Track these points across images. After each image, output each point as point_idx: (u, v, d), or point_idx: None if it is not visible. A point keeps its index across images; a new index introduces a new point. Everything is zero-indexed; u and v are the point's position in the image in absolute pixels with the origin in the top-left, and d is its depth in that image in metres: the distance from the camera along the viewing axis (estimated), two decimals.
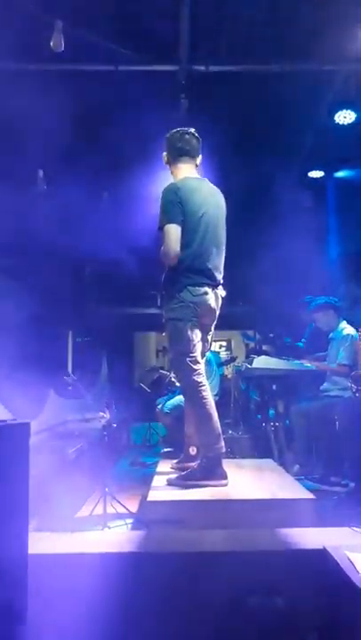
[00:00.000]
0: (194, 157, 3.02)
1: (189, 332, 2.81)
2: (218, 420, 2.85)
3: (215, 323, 3.04)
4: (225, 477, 2.80)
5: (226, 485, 2.79)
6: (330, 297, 4.39)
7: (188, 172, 3.00)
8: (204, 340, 3.01)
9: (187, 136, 2.99)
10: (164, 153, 3.05)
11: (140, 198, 3.58)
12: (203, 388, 2.83)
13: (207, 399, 2.83)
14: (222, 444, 2.83)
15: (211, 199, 2.95)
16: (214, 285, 2.91)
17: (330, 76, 3.99)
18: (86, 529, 2.72)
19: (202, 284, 2.84)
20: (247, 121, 4.19)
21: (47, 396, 4.63)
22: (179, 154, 2.99)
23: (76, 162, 4.47)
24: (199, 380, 2.83)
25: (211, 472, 2.79)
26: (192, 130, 3.01)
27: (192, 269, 2.82)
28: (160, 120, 4.10)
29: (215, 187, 3.06)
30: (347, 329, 4.16)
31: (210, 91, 4.00)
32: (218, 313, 3.00)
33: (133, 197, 4.39)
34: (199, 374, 2.84)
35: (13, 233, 4.57)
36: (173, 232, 2.76)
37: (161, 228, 2.80)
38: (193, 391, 2.84)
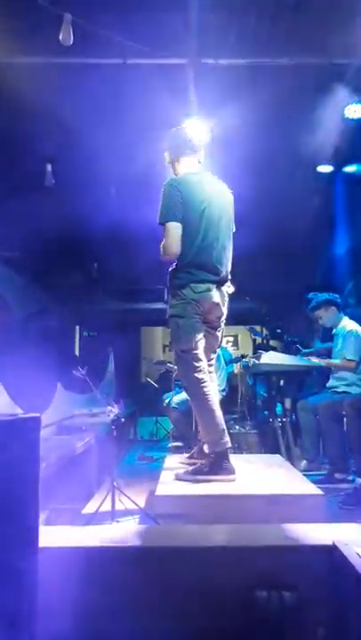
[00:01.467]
0: (196, 153, 2.99)
1: (191, 329, 2.79)
2: (222, 416, 2.85)
3: (224, 318, 3.01)
4: (233, 472, 2.81)
5: (234, 480, 2.80)
6: (330, 293, 4.38)
7: (191, 168, 2.97)
8: (213, 336, 2.99)
9: (188, 133, 2.99)
10: (166, 152, 3.03)
11: (148, 191, 3.57)
12: (205, 384, 2.81)
13: (209, 395, 2.81)
14: (227, 439, 2.83)
15: (214, 193, 2.91)
16: (219, 281, 2.88)
17: (340, 69, 3.95)
18: (95, 523, 2.73)
19: (204, 281, 2.80)
20: (256, 114, 4.16)
21: (55, 391, 4.66)
22: (181, 152, 2.97)
23: (85, 155, 4.48)
24: (201, 376, 2.80)
25: (219, 467, 2.79)
26: (192, 125, 3.01)
27: (195, 265, 2.79)
28: (169, 113, 4.11)
29: (220, 180, 3.02)
30: (350, 325, 4.19)
31: (219, 84, 3.98)
32: (225, 309, 2.97)
33: (141, 191, 4.38)
34: (201, 371, 2.82)
35: (22, 227, 4.58)
36: (173, 230, 2.75)
37: (161, 224, 2.78)
38: (195, 388, 2.82)
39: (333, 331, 4.32)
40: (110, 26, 3.61)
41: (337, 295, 4.41)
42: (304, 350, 4.69)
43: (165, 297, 2.98)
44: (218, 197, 2.93)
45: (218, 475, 2.77)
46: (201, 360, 2.83)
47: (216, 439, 2.80)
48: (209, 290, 2.81)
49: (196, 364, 2.81)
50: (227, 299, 2.98)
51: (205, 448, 2.93)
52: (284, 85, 3.96)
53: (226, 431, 2.84)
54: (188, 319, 2.78)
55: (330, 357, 4.35)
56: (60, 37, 3.41)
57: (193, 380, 2.81)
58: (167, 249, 2.75)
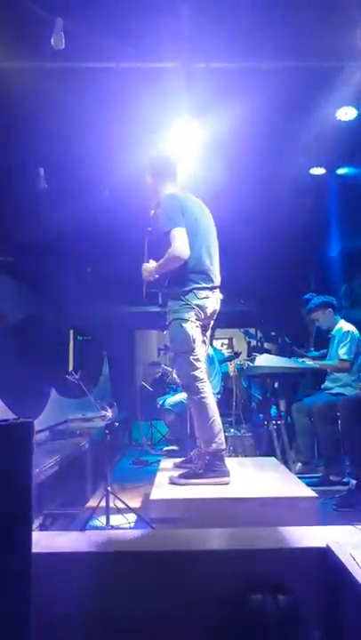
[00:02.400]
0: (176, 177, 3.26)
1: (192, 333, 2.95)
2: (218, 417, 2.96)
3: (212, 324, 3.20)
4: (227, 474, 2.85)
5: (229, 482, 2.82)
6: (327, 296, 4.42)
7: (174, 190, 3.18)
8: (201, 341, 3.12)
9: (169, 159, 3.28)
10: (148, 177, 3.25)
11: (141, 194, 3.59)
12: (203, 384, 2.95)
13: (206, 396, 2.94)
14: (222, 440, 2.93)
15: (199, 208, 3.16)
16: (214, 288, 3.08)
17: (332, 72, 3.97)
18: (89, 528, 2.72)
19: (205, 288, 3.01)
20: (248, 118, 4.18)
21: (48, 396, 4.64)
22: (163, 179, 3.21)
23: (78, 159, 4.48)
24: (199, 375, 2.95)
25: (213, 469, 2.84)
26: (170, 151, 3.38)
27: (196, 270, 2.99)
28: (161, 117, 4.12)
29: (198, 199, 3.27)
30: (346, 326, 4.21)
31: (211, 87, 3.99)
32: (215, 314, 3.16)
33: (134, 194, 4.38)
34: (200, 371, 2.96)
35: (15, 232, 4.57)
36: (182, 234, 2.92)
37: (168, 232, 2.94)
38: (193, 388, 2.95)
39: (330, 333, 4.33)
40: (102, 29, 3.61)
41: (333, 298, 4.45)
42: (297, 358, 4.65)
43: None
44: (203, 212, 3.19)
45: (212, 477, 2.82)
46: (200, 361, 2.98)
47: (211, 438, 2.88)
48: (208, 297, 3.01)
49: (196, 365, 2.96)
50: (218, 305, 3.14)
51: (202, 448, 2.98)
52: (275, 88, 3.97)
53: (222, 432, 2.94)
54: (191, 323, 2.95)
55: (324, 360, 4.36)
56: (52, 42, 3.41)
57: (191, 377, 2.94)
58: (179, 252, 2.91)
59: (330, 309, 4.30)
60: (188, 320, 2.94)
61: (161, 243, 3.06)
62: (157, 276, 3.09)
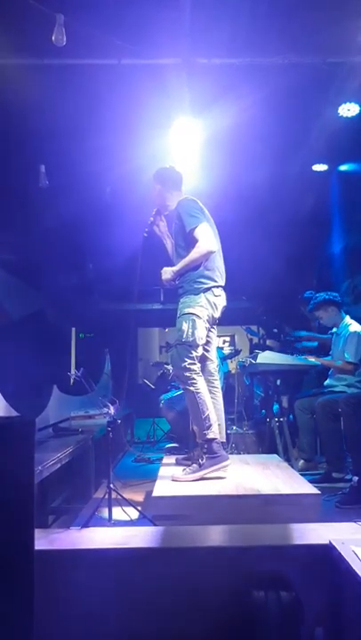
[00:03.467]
0: (181, 186, 3.45)
1: (201, 332, 3.08)
2: (212, 408, 3.07)
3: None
4: (227, 458, 2.99)
5: (229, 464, 2.97)
6: (328, 292, 4.30)
7: (180, 197, 3.35)
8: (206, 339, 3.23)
9: (177, 172, 3.46)
10: (158, 186, 3.40)
11: (142, 191, 3.60)
12: (196, 375, 3.06)
13: (200, 387, 3.04)
14: (215, 429, 3.02)
15: (207, 212, 3.31)
16: (223, 287, 3.25)
17: (333, 68, 3.95)
18: (92, 525, 2.72)
19: (219, 286, 3.19)
20: (249, 114, 4.16)
21: (51, 393, 4.64)
22: (173, 187, 3.40)
23: (79, 156, 4.47)
24: (193, 368, 3.06)
25: (212, 456, 2.94)
26: (177, 166, 3.55)
27: (214, 268, 3.16)
28: (163, 113, 4.11)
29: None
30: (353, 325, 4.11)
31: (212, 84, 3.97)
32: None
33: (136, 191, 4.38)
34: (194, 364, 3.07)
35: (17, 229, 4.57)
36: (208, 229, 3.12)
37: (193, 230, 3.08)
38: (186, 378, 3.05)
39: (334, 329, 4.26)
40: (104, 26, 3.60)
41: (336, 294, 4.31)
42: (299, 356, 4.53)
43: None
44: (210, 215, 3.32)
45: (214, 465, 2.92)
46: (196, 358, 3.06)
47: (206, 427, 2.98)
48: (220, 295, 3.19)
49: (194, 360, 3.07)
50: (225, 302, 3.27)
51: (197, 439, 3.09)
52: (277, 84, 3.95)
53: (216, 424, 3.04)
54: (202, 322, 3.10)
55: (323, 350, 4.33)
56: (53, 38, 3.39)
57: (184, 368, 3.05)
58: (209, 246, 3.09)
59: (333, 307, 4.17)
60: (200, 318, 3.08)
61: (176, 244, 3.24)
62: (178, 281, 3.18)
